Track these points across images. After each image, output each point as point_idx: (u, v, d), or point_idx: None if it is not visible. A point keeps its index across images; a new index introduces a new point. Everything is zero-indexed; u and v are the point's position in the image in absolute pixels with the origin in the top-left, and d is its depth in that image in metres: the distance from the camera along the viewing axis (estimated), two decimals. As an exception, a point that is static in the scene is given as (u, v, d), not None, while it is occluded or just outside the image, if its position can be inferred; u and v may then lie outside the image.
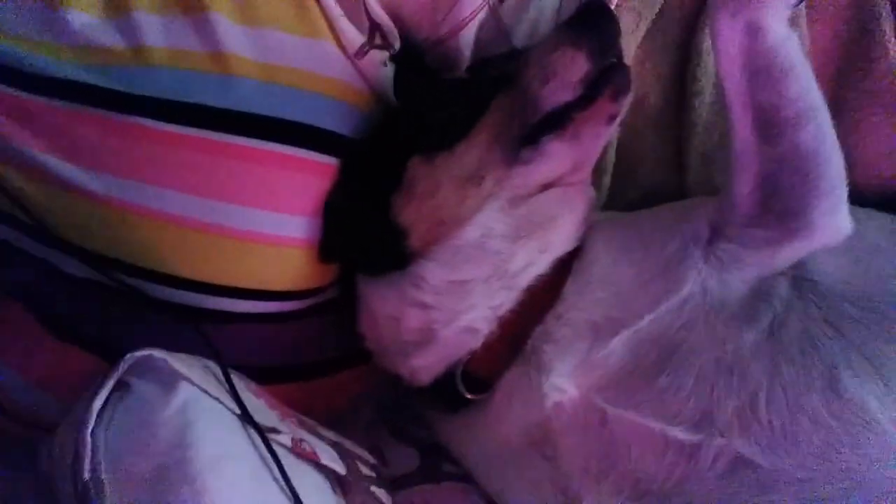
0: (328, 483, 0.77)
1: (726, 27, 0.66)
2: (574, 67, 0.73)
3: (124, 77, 0.75)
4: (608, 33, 0.74)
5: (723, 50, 0.68)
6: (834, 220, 0.71)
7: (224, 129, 0.76)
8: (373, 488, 0.79)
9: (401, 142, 0.81)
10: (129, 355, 0.65)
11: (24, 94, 0.75)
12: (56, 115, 0.74)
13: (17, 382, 0.81)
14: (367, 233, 0.81)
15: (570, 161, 0.77)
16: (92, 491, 0.60)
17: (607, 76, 0.73)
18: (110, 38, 0.76)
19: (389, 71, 0.89)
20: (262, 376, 0.80)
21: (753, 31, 0.66)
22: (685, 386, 0.71)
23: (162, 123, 0.75)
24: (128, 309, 0.79)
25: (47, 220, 0.76)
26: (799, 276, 0.74)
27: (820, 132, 0.68)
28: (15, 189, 0.76)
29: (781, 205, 0.71)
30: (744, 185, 0.72)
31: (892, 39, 0.82)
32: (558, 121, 0.75)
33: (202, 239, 0.76)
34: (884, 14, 0.82)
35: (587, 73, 0.73)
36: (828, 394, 0.69)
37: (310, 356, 0.91)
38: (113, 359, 0.75)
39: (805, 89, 0.68)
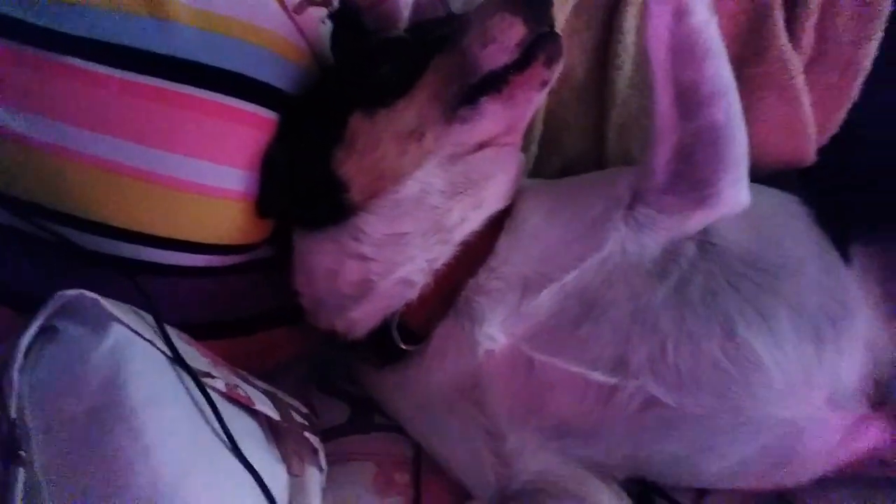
0: (261, 429, 0.78)
1: (657, 8, 0.72)
2: (512, 32, 0.77)
3: (54, 13, 0.71)
4: (543, 2, 0.79)
5: (652, 29, 0.74)
6: (736, 192, 0.79)
7: (161, 76, 0.74)
8: (306, 434, 0.81)
9: (341, 97, 0.82)
10: (58, 294, 0.63)
11: None
12: None
13: None
14: (306, 186, 0.81)
15: (504, 122, 0.81)
16: (18, 431, 0.58)
17: (541, 43, 0.78)
18: None
19: (327, 28, 0.90)
20: (194, 332, 0.79)
21: (680, 14, 0.72)
22: (604, 334, 0.78)
23: (95, 65, 0.71)
24: (51, 259, 0.76)
25: None
26: (704, 240, 0.82)
27: (731, 110, 0.76)
28: None
29: (694, 175, 0.78)
30: (661, 156, 0.79)
31: (783, 29, 0.91)
32: (495, 82, 0.78)
33: (137, 186, 0.75)
34: (776, 5, 0.92)
35: (523, 38, 0.77)
36: (724, 341, 0.77)
37: (241, 313, 0.91)
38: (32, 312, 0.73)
39: (720, 70, 0.75)
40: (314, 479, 0.80)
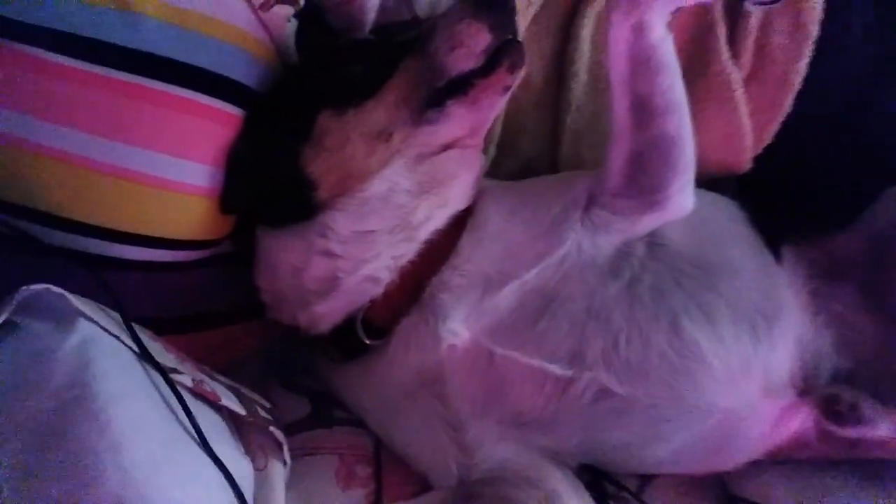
0: (225, 424, 0.78)
1: (618, 24, 0.77)
2: (478, 38, 0.80)
3: (17, 2, 0.69)
4: (507, 11, 0.82)
5: (612, 43, 0.78)
6: (683, 197, 0.85)
7: (126, 69, 0.73)
8: (271, 428, 0.81)
9: (309, 96, 0.83)
10: (22, 288, 0.62)
11: None
12: None
13: None
14: (273, 183, 0.82)
15: (469, 124, 0.84)
16: None
17: (506, 49, 0.81)
18: None
19: (292, 27, 0.90)
20: (158, 327, 0.79)
21: (639, 30, 0.76)
22: (561, 329, 0.82)
23: (59, 56, 0.70)
24: (11, 255, 0.74)
25: None
26: (653, 241, 0.88)
27: (682, 121, 0.81)
28: None
29: (645, 180, 0.83)
30: (616, 162, 0.83)
31: (725, 45, 0.98)
32: (461, 86, 0.81)
33: (101, 181, 0.74)
34: (718, 23, 0.98)
35: (489, 44, 0.81)
36: (671, 335, 0.83)
37: (203, 307, 0.90)
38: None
39: (674, 84, 0.80)
40: (278, 473, 0.81)
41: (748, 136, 1.00)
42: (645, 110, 0.79)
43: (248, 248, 0.88)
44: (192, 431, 0.68)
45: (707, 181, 1.00)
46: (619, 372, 0.82)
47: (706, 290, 0.86)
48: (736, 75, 0.96)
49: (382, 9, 0.93)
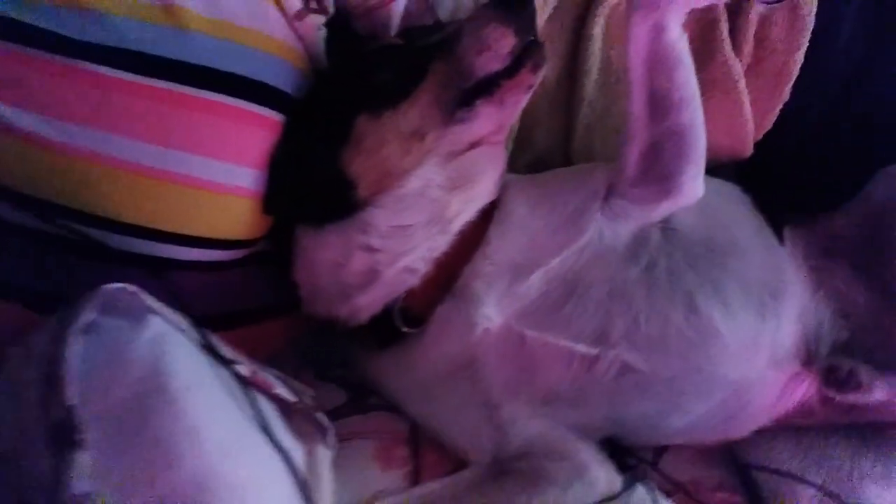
0: (277, 411, 0.83)
1: (638, 24, 0.82)
2: (504, 41, 0.85)
3: (78, 23, 0.73)
4: (529, 14, 0.87)
5: (633, 42, 0.83)
6: (695, 185, 0.90)
7: (177, 80, 0.78)
8: (317, 415, 0.86)
9: (345, 101, 0.87)
10: (102, 288, 0.66)
11: None
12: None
13: None
14: (314, 184, 0.87)
15: (495, 122, 0.89)
16: (77, 417, 0.60)
17: (529, 51, 0.86)
18: None
19: (322, 35, 0.94)
20: (207, 323, 0.83)
21: (658, 29, 0.82)
22: (586, 311, 0.88)
23: (115, 70, 0.74)
24: (67, 256, 0.78)
25: None
26: (666, 226, 0.94)
27: (696, 113, 0.87)
28: None
29: (661, 170, 0.88)
30: (633, 153, 0.89)
31: (727, 39, 1.03)
32: (488, 87, 0.86)
33: (154, 186, 0.78)
34: (721, 19, 1.04)
35: (514, 47, 0.85)
36: (687, 313, 0.89)
37: (241, 305, 0.95)
38: (45, 308, 0.75)
39: (688, 79, 0.85)
40: (325, 457, 0.85)
41: (750, 123, 1.06)
42: (662, 104, 0.85)
43: (285, 246, 0.92)
44: (255, 418, 0.73)
45: (708, 167, 1.06)
46: (641, 349, 0.88)
47: (717, 271, 0.92)
48: (738, 67, 1.02)
49: (406, 14, 0.97)
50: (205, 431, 0.66)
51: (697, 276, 0.91)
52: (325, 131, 0.87)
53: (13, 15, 0.72)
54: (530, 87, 0.88)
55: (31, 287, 0.78)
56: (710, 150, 0.97)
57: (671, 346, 0.88)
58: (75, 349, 0.63)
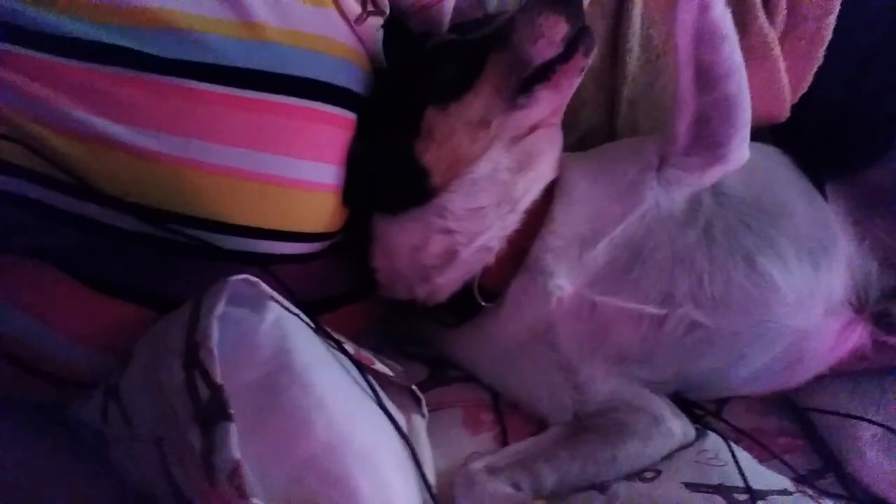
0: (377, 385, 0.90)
1: (685, 4, 0.87)
2: (557, 29, 0.91)
3: (162, 42, 0.79)
4: (577, 1, 0.93)
5: (681, 19, 0.89)
6: (743, 150, 0.96)
7: (259, 88, 0.84)
8: (413, 387, 0.94)
9: (413, 96, 0.94)
10: (230, 279, 0.73)
11: (59, 59, 0.76)
12: (98, 79, 0.77)
13: (56, 341, 0.83)
14: (391, 175, 0.94)
15: (553, 105, 0.96)
16: (225, 394, 0.66)
17: (581, 36, 0.92)
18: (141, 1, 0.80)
19: (380, 35, 1.01)
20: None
21: (704, 7, 0.87)
22: (651, 275, 0.94)
23: (206, 84, 0.81)
24: (178, 258, 0.85)
25: (90, 178, 0.79)
26: (717, 191, 0.99)
27: (741, 84, 0.92)
28: (54, 149, 0.77)
29: (710, 138, 0.94)
30: (683, 124, 0.94)
31: (761, 8, 1.09)
32: (545, 73, 0.92)
33: (250, 187, 0.85)
34: (755, -11, 1.09)
35: (567, 33, 0.92)
36: (747, 270, 0.95)
37: (325, 292, 1.02)
38: (161, 307, 0.82)
39: (733, 51, 0.90)
40: (421, 425, 0.93)
41: (786, 88, 1.11)
42: (709, 76, 0.90)
43: (361, 236, 0.99)
44: (367, 391, 0.80)
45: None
46: (706, 306, 0.94)
47: (771, 229, 0.98)
48: (773, 35, 1.07)
49: (457, 9, 1.04)
50: (330, 402, 0.73)
51: (753, 234, 0.97)
52: (396, 126, 0.93)
53: (115, 42, 0.78)
54: (583, 69, 0.94)
55: (146, 287, 0.85)
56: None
57: (734, 302, 0.94)
58: (215, 336, 0.70)
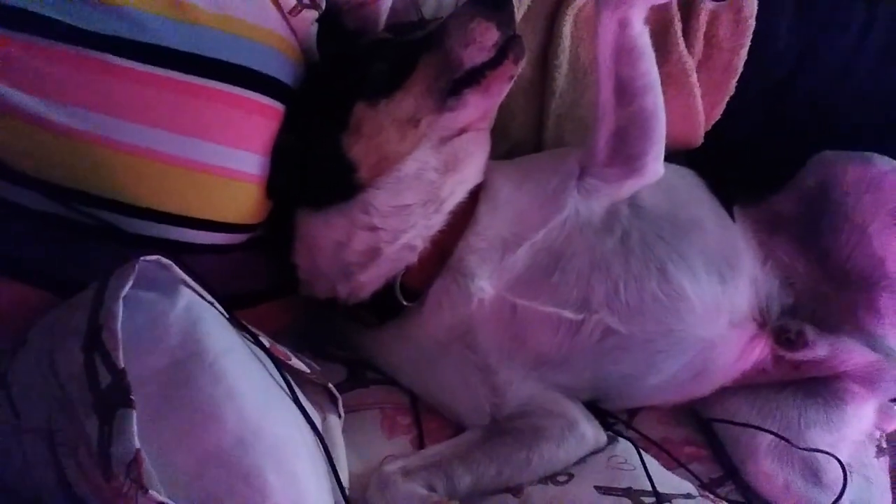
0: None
1: (606, 18, 0.92)
2: (488, 35, 0.93)
3: (91, 15, 0.76)
4: (509, 11, 0.95)
5: (601, 34, 0.93)
6: (657, 165, 1.01)
7: (186, 70, 0.82)
8: (329, 385, 0.91)
9: (342, 91, 0.93)
10: (141, 259, 0.70)
11: None
12: (14, 47, 0.74)
13: None
14: (317, 169, 0.92)
15: (482, 109, 0.97)
16: (124, 382, 0.63)
17: (511, 43, 0.94)
18: None
19: (314, 29, 1.00)
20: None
21: (624, 24, 0.92)
22: (570, 280, 0.97)
23: (130, 61, 0.78)
24: (84, 240, 0.80)
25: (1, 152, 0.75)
26: (633, 203, 1.03)
27: (657, 99, 0.97)
28: None
29: (627, 151, 0.98)
30: (602, 136, 0.98)
31: (681, 38, 1.15)
32: (475, 77, 0.94)
33: (166, 170, 0.81)
34: (675, 19, 1.15)
35: (497, 40, 0.93)
36: (661, 280, 0.99)
37: (244, 287, 0.99)
38: (62, 291, 0.77)
39: (650, 68, 0.96)
40: (336, 425, 0.91)
41: (701, 114, 1.18)
42: (627, 91, 0.95)
43: (283, 230, 0.97)
44: (282, 385, 0.77)
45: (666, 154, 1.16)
46: (620, 313, 0.97)
47: (683, 243, 1.03)
48: (690, 63, 1.14)
49: (393, 10, 1.04)
50: (242, 393, 0.70)
51: (667, 246, 1.02)
52: (325, 119, 0.92)
53: (27, 6, 0.74)
54: (512, 76, 0.96)
55: (47, 270, 0.80)
56: (665, 138, 1.08)
57: (647, 309, 0.98)
58: (118, 318, 0.66)
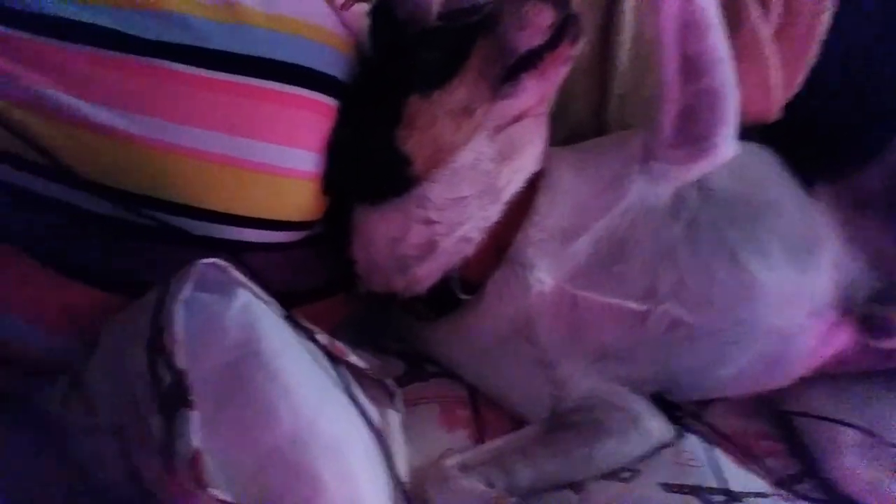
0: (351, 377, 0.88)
1: None
2: (543, 16, 0.89)
3: (141, 22, 0.78)
4: None
5: (665, 8, 0.87)
6: (728, 144, 0.94)
7: (239, 72, 0.82)
8: (387, 381, 0.92)
9: (395, 83, 0.92)
10: (199, 263, 0.72)
11: (37, 38, 0.75)
12: (80, 60, 0.76)
13: (28, 331, 0.81)
14: (372, 164, 0.92)
15: (538, 95, 0.94)
16: (188, 380, 0.65)
17: (567, 24, 0.90)
18: None
19: (366, 22, 0.99)
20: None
21: None
22: (634, 269, 0.93)
23: (186, 66, 0.79)
24: (147, 242, 0.82)
25: (66, 160, 0.77)
26: (702, 186, 0.98)
27: (727, 75, 0.91)
28: (31, 130, 0.76)
29: (695, 131, 0.93)
30: (668, 116, 0.93)
31: (755, 4, 1.07)
32: (531, 61, 0.91)
33: (223, 171, 0.83)
34: (747, -14, 1.07)
35: (553, 21, 0.90)
36: (731, 267, 0.94)
37: (300, 285, 0.99)
38: (131, 293, 0.80)
39: (719, 42, 0.89)
40: (395, 420, 0.91)
41: (778, 87, 1.09)
42: (694, 67, 0.89)
43: (340, 226, 0.97)
44: (338, 382, 0.78)
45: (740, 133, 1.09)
46: (688, 303, 0.92)
47: (757, 227, 0.97)
48: (766, 32, 1.06)
49: (445, -2, 1.02)
50: (298, 391, 0.71)
51: (738, 231, 0.96)
52: (378, 113, 0.91)
53: (88, 19, 0.77)
54: (569, 58, 0.92)
55: (116, 272, 0.83)
56: (739, 114, 1.01)
57: (716, 299, 0.93)
58: (179, 320, 0.68)
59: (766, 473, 0.97)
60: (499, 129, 0.92)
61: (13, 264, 0.80)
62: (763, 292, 0.94)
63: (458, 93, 0.90)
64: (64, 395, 0.79)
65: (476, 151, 0.91)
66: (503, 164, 0.92)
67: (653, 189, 0.94)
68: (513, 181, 0.93)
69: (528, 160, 0.94)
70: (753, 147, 1.08)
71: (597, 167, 0.96)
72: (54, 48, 0.75)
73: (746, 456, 0.99)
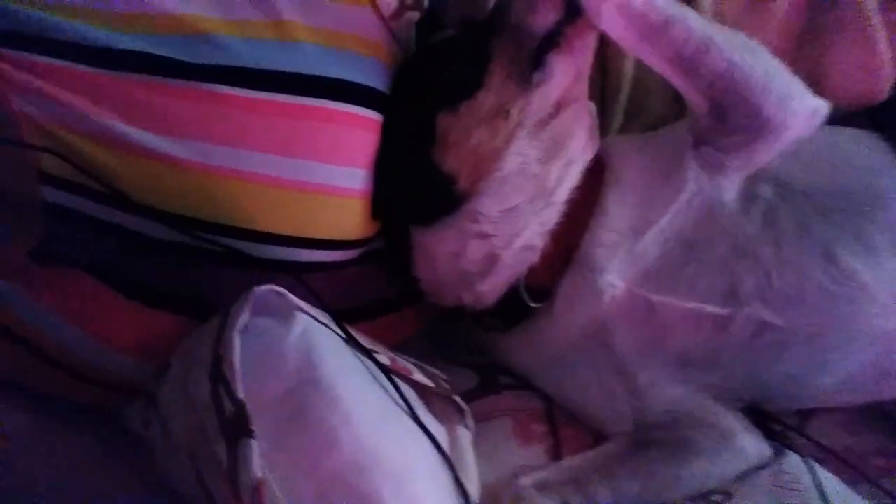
0: (417, 396, 0.86)
1: (604, 13, 0.80)
2: None
3: (188, 47, 0.79)
4: None
5: (613, 31, 0.81)
6: (790, 109, 0.83)
7: (289, 91, 0.82)
8: (454, 397, 0.89)
9: (420, 103, 0.89)
10: (256, 290, 0.72)
11: (91, 69, 0.77)
12: (137, 89, 0.78)
13: (98, 351, 0.84)
14: (417, 187, 0.89)
15: (572, 73, 0.88)
16: (248, 409, 0.65)
17: None
18: (173, 5, 0.80)
19: (414, 32, 0.97)
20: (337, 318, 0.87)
21: (622, 6, 0.79)
22: (710, 271, 0.85)
23: (236, 89, 0.80)
24: (210, 266, 0.84)
25: (126, 187, 0.79)
26: (778, 180, 0.88)
27: (721, 51, 0.81)
28: (91, 159, 0.78)
29: (733, 116, 0.84)
30: (698, 109, 0.86)
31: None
32: (553, 39, 0.85)
33: (281, 194, 0.83)
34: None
35: None
36: (827, 265, 0.85)
37: (359, 301, 0.98)
38: (198, 315, 0.81)
39: (690, 27, 0.80)
40: (465, 437, 0.88)
41: (888, 64, 0.98)
42: (685, 64, 0.82)
43: (401, 244, 0.94)
44: (401, 403, 0.76)
45: (845, 115, 0.97)
46: (776, 304, 0.84)
47: (860, 220, 0.87)
48: (871, 2, 0.94)
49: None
50: (358, 416, 0.69)
51: (834, 227, 0.86)
52: (412, 135, 0.88)
53: (145, 49, 0.79)
54: (594, 26, 0.86)
55: (181, 296, 0.84)
56: (841, 96, 0.91)
57: (810, 299, 0.84)
58: (237, 349, 0.68)
59: (883, 496, 0.87)
60: (540, 124, 0.87)
61: (83, 288, 0.82)
62: (868, 292, 0.84)
63: (487, 99, 0.86)
64: (142, 415, 0.82)
65: (520, 154, 0.86)
66: (550, 163, 0.87)
67: (714, 180, 0.87)
68: (563, 178, 0.88)
69: (575, 152, 0.89)
70: (854, 133, 0.98)
71: (654, 157, 0.90)
72: (109, 78, 0.77)
73: (858, 475, 0.89)
